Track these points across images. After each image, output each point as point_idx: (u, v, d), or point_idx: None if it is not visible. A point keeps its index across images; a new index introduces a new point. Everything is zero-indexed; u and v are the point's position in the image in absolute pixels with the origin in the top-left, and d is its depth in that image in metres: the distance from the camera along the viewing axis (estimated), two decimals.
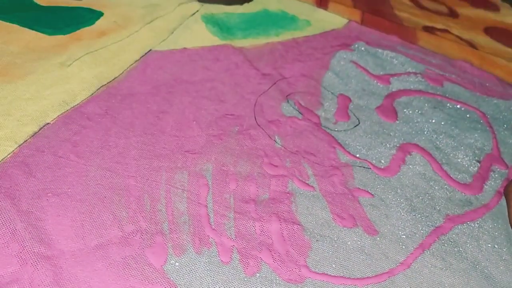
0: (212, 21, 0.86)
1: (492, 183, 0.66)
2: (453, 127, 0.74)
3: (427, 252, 0.58)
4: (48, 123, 0.65)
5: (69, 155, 0.61)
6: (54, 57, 0.74)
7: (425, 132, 0.73)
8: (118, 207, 0.57)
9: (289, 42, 0.86)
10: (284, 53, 0.84)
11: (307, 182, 0.63)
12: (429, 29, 0.92)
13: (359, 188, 0.63)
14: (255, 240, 0.56)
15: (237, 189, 0.61)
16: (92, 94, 0.69)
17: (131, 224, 0.55)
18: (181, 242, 0.54)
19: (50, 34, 0.78)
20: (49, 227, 0.54)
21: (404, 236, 0.59)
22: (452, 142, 0.71)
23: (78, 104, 0.68)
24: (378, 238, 0.58)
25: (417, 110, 0.77)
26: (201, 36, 0.83)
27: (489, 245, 0.59)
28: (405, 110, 0.76)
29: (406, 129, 0.73)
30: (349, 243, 0.57)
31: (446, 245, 0.59)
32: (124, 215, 0.56)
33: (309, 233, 0.58)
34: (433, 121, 0.75)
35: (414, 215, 0.61)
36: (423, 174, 0.66)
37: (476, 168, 0.68)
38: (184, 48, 0.80)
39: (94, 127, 0.65)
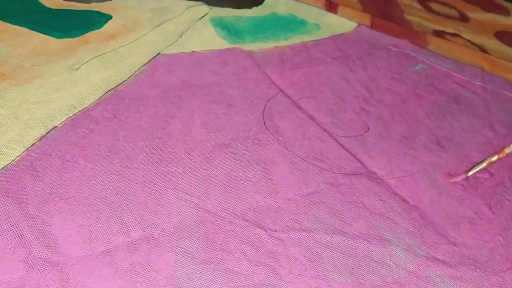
0: (221, 25, 0.86)
1: None
2: None
3: (438, 261, 0.57)
4: (56, 127, 0.64)
5: (77, 159, 0.61)
6: (62, 60, 0.73)
7: None
8: (126, 212, 0.56)
9: (298, 46, 0.85)
10: (293, 57, 0.83)
11: (316, 189, 0.62)
12: (439, 33, 0.92)
13: (368, 196, 0.62)
14: (263, 247, 0.55)
15: (246, 196, 0.60)
16: (100, 97, 0.69)
17: (138, 230, 0.55)
18: (189, 249, 0.54)
19: (58, 37, 0.78)
20: (56, 232, 0.54)
21: (414, 244, 0.58)
22: None
23: (86, 107, 0.67)
24: (388, 246, 0.57)
25: None
26: (209, 39, 0.82)
27: (503, 257, 0.58)
28: None
29: None
30: (358, 251, 0.56)
31: (458, 257, 0.57)
32: (131, 221, 0.56)
33: (318, 241, 0.57)
34: None
35: (424, 223, 0.60)
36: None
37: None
38: (193, 51, 0.80)
39: (102, 130, 0.65)
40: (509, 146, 0.66)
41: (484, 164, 0.67)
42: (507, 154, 0.66)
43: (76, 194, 0.58)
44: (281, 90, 0.76)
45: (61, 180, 0.58)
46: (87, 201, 0.57)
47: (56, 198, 0.57)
